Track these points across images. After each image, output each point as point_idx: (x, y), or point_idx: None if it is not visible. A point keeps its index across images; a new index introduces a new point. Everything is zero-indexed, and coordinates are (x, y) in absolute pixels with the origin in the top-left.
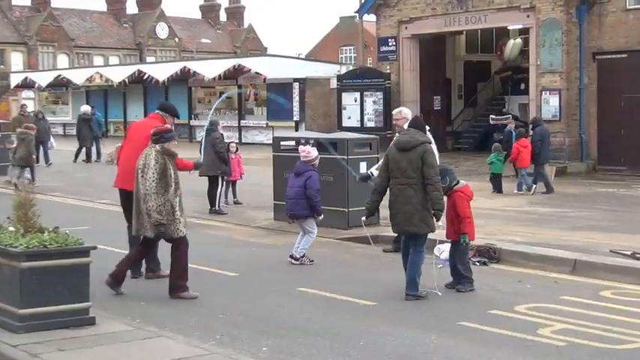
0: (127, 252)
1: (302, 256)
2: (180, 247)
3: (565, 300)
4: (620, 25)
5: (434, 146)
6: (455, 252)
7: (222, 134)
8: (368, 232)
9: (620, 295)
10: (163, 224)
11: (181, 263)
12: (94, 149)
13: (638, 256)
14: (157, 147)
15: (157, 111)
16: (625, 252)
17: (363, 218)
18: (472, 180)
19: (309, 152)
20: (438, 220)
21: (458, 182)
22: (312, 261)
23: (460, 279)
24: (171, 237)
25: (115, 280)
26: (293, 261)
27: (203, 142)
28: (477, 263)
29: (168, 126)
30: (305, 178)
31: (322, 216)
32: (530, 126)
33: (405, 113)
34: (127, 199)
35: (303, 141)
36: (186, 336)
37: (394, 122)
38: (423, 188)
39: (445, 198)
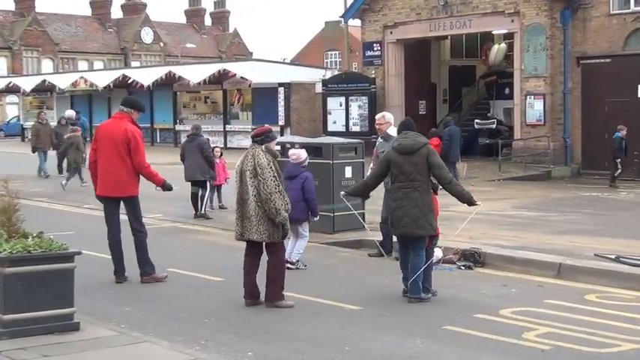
0: (109, 257)
1: (297, 261)
2: (277, 252)
3: (550, 304)
4: (603, 29)
5: None
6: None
7: (207, 139)
8: (351, 207)
9: (605, 298)
10: (285, 223)
11: (281, 268)
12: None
13: (622, 259)
14: (263, 147)
15: (122, 107)
16: (609, 256)
17: (343, 193)
18: None
19: (299, 155)
20: (476, 204)
21: None
22: (306, 266)
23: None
24: (275, 240)
25: (252, 297)
26: (289, 265)
27: (188, 147)
28: (463, 267)
29: (268, 126)
30: (301, 181)
31: (317, 217)
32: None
33: (388, 118)
34: (110, 205)
35: (288, 145)
36: (170, 341)
37: (377, 127)
38: (428, 190)
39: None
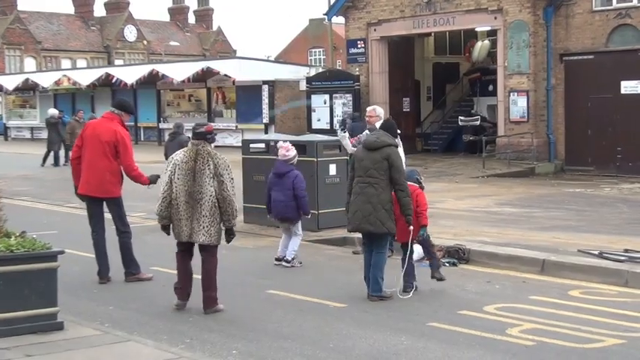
0: (93, 256)
1: (293, 259)
2: (215, 255)
3: (534, 300)
4: (586, 26)
5: (401, 149)
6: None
7: (188, 137)
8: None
9: (589, 294)
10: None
11: (214, 273)
12: (61, 153)
13: (605, 255)
14: (212, 146)
15: (113, 109)
16: (593, 251)
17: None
18: (441, 181)
19: (288, 150)
20: (409, 226)
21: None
22: (301, 263)
23: (410, 281)
24: (218, 243)
25: (186, 298)
26: (284, 263)
27: (170, 146)
28: (447, 264)
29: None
30: (291, 179)
31: (309, 215)
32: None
33: (378, 112)
34: (94, 205)
35: (272, 143)
36: (155, 340)
37: (367, 119)
38: (385, 189)
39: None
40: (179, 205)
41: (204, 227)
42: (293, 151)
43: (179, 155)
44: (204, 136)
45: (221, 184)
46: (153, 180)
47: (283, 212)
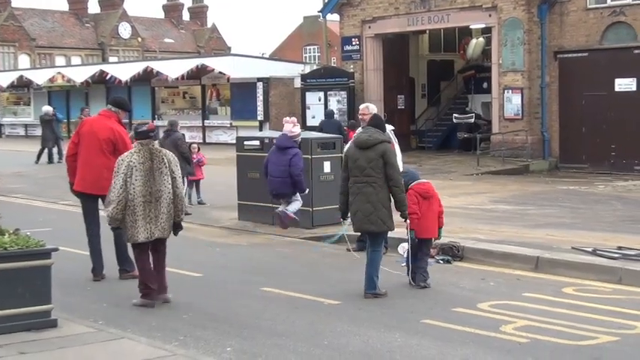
0: (87, 253)
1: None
2: (165, 245)
3: (528, 297)
4: (580, 24)
5: (396, 145)
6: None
7: (183, 134)
8: (345, 233)
9: (582, 291)
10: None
11: (165, 261)
12: (55, 150)
13: (599, 252)
14: (156, 143)
15: (110, 107)
16: (586, 249)
17: (342, 221)
18: (435, 178)
19: (295, 125)
20: (406, 220)
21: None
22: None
23: (423, 273)
24: (167, 236)
25: (164, 291)
26: (285, 211)
27: (165, 144)
28: (441, 261)
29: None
30: (290, 156)
31: (307, 191)
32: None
33: (371, 109)
34: (89, 202)
35: (267, 141)
36: (149, 337)
37: (360, 118)
38: (383, 187)
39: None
40: (135, 207)
41: (161, 223)
42: (298, 129)
43: (133, 157)
44: (148, 134)
45: (174, 181)
46: None
47: (278, 188)
